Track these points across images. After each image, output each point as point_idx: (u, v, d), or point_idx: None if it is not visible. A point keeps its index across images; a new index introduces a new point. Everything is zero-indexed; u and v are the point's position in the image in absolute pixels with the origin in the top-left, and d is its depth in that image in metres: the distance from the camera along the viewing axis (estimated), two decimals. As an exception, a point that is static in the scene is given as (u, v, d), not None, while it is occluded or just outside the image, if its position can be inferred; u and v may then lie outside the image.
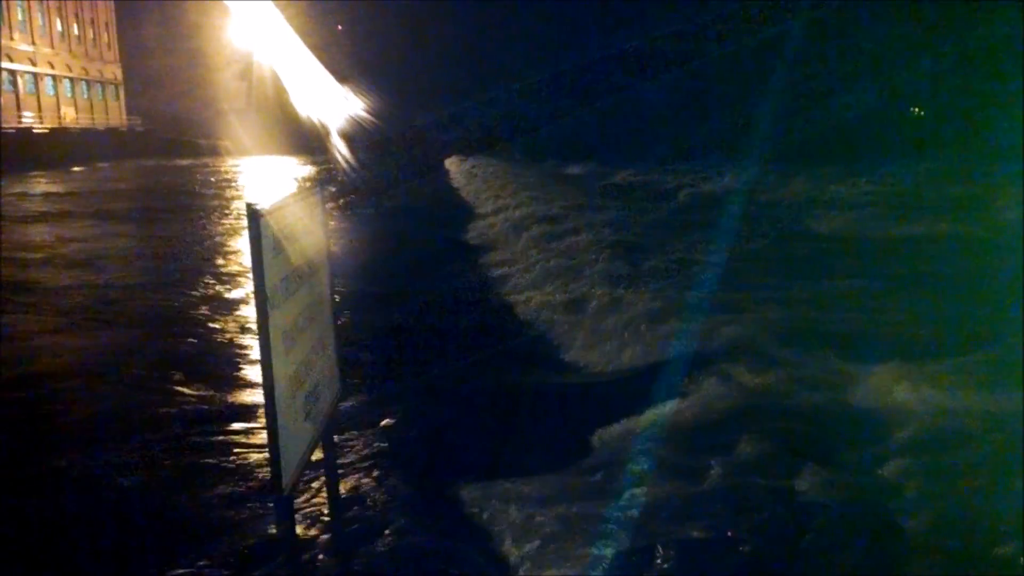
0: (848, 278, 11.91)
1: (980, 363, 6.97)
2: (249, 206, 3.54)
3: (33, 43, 63.46)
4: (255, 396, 7.04)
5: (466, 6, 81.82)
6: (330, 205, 27.09)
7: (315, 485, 5.21)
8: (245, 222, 3.58)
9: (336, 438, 5.50)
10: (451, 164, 50.42)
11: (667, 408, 6.37)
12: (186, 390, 7.44)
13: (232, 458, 5.86)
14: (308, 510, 5.00)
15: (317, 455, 4.83)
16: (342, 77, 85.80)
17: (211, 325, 10.22)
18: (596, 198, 26.24)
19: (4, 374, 8.03)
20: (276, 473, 3.68)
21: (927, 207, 21.50)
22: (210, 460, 5.83)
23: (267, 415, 3.66)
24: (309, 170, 51.27)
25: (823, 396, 6.38)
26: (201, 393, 7.34)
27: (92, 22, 74.87)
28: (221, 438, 6.19)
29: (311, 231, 4.54)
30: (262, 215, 3.57)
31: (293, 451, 3.91)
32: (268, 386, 3.66)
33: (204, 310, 11.12)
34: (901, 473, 5.09)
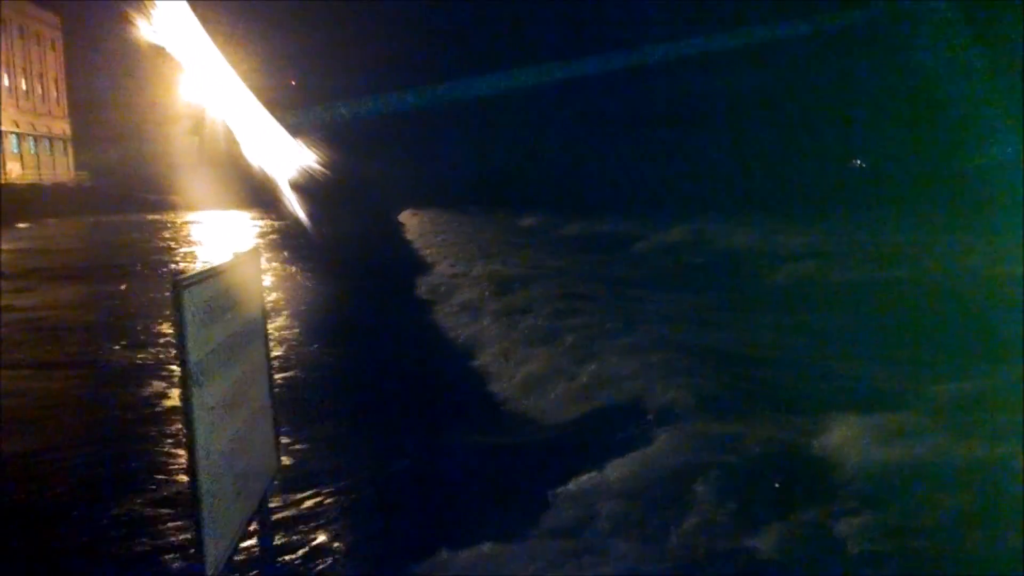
0: (800, 328, 12.03)
1: (933, 411, 6.99)
2: (173, 278, 3.39)
3: (-22, 98, 62.50)
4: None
5: (418, 61, 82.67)
6: (281, 262, 26.81)
7: (248, 564, 4.91)
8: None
9: (275, 516, 5.26)
10: (406, 218, 50.43)
11: (618, 465, 6.26)
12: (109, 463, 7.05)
13: (159, 535, 5.52)
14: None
15: (251, 538, 4.60)
16: (295, 131, 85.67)
17: (131, 395, 9.73)
18: (550, 249, 26.38)
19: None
20: (201, 558, 3.46)
21: (873, 255, 21.97)
22: (137, 537, 5.49)
23: (193, 500, 3.46)
24: (258, 225, 50.79)
25: (777, 450, 6.32)
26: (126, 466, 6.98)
27: (41, 76, 74.05)
28: (150, 513, 5.84)
29: (246, 299, 4.37)
30: (185, 286, 3.41)
31: (222, 533, 3.70)
32: (192, 465, 3.46)
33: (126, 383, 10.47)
34: (856, 530, 5.03)
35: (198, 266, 21.00)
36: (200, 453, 3.49)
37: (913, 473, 5.70)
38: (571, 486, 6.02)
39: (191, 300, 3.49)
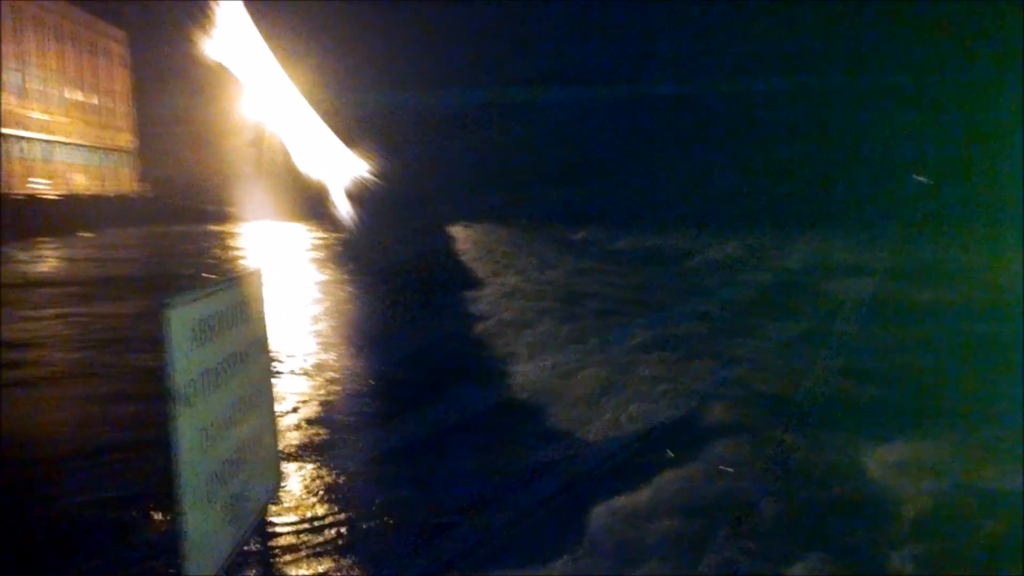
0: (853, 349, 11.70)
1: (991, 438, 6.72)
2: (162, 299, 3.36)
3: (48, 112, 64.65)
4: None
5: (470, 75, 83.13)
6: (332, 272, 27.08)
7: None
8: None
9: (277, 538, 5.20)
10: (457, 230, 50.66)
11: (655, 488, 6.10)
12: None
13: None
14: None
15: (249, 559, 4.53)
16: (351, 144, 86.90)
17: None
18: (602, 263, 26.20)
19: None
20: (184, 584, 3.42)
21: (936, 274, 21.34)
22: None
23: (177, 522, 3.42)
24: (313, 236, 51.47)
25: (823, 476, 6.11)
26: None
27: (108, 92, 76.39)
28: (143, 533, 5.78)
29: (245, 320, 4.34)
30: (173, 307, 3.38)
31: (207, 557, 3.65)
32: (177, 488, 3.42)
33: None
34: (905, 560, 4.81)
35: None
36: (185, 476, 3.45)
37: (974, 501, 5.48)
38: (614, 505, 5.90)
39: (179, 320, 3.47)
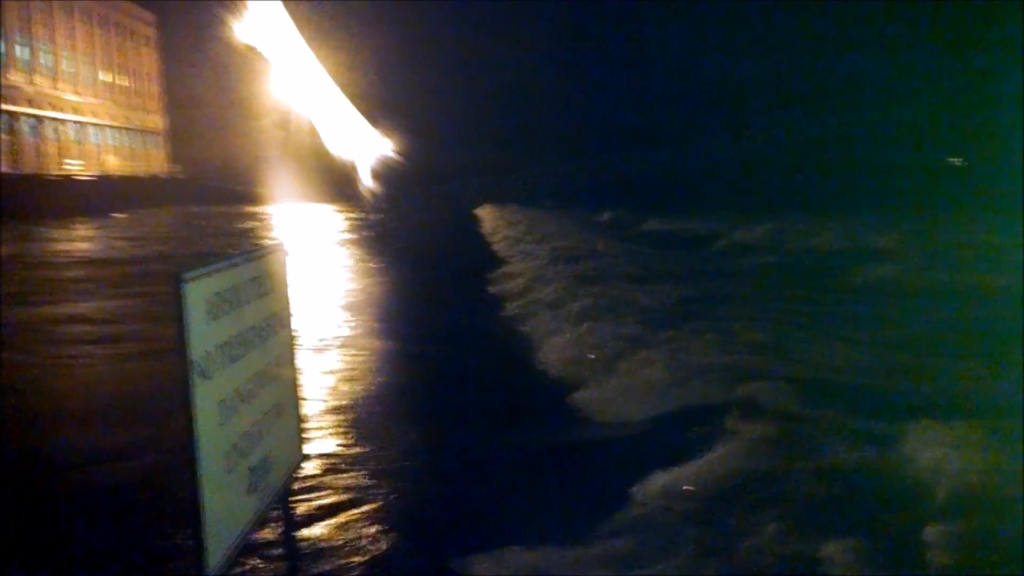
0: (879, 330, 11.56)
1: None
2: (175, 273, 3.36)
3: (79, 93, 65.31)
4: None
5: (502, 55, 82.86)
6: (358, 252, 27.21)
7: (268, 562, 4.84)
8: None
9: (300, 509, 5.23)
10: (482, 212, 50.63)
11: (684, 469, 6.05)
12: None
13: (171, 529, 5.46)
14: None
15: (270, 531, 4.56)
16: (378, 125, 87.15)
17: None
18: (628, 245, 26.07)
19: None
20: (203, 558, 3.43)
21: (964, 257, 21.01)
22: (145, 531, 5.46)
23: (195, 494, 3.42)
24: (339, 217, 51.72)
25: (850, 457, 6.04)
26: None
27: (137, 73, 77.00)
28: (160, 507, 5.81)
29: (267, 292, 4.34)
30: (188, 280, 3.38)
31: (226, 530, 3.66)
32: (194, 461, 3.43)
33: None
34: (934, 542, 4.75)
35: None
36: (202, 448, 3.46)
37: (999, 481, 5.40)
38: (639, 484, 5.87)
39: (195, 294, 3.46)
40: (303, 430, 4.91)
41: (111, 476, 6.36)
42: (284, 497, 4.58)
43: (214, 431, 3.61)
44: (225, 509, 3.68)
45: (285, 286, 4.68)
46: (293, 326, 4.82)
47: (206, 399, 3.53)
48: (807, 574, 4.59)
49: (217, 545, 3.54)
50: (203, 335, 3.52)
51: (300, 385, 4.94)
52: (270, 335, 4.43)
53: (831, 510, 5.31)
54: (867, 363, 9.44)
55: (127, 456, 6.78)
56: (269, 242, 4.47)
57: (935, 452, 6.04)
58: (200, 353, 3.47)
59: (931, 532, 4.87)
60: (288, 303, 4.73)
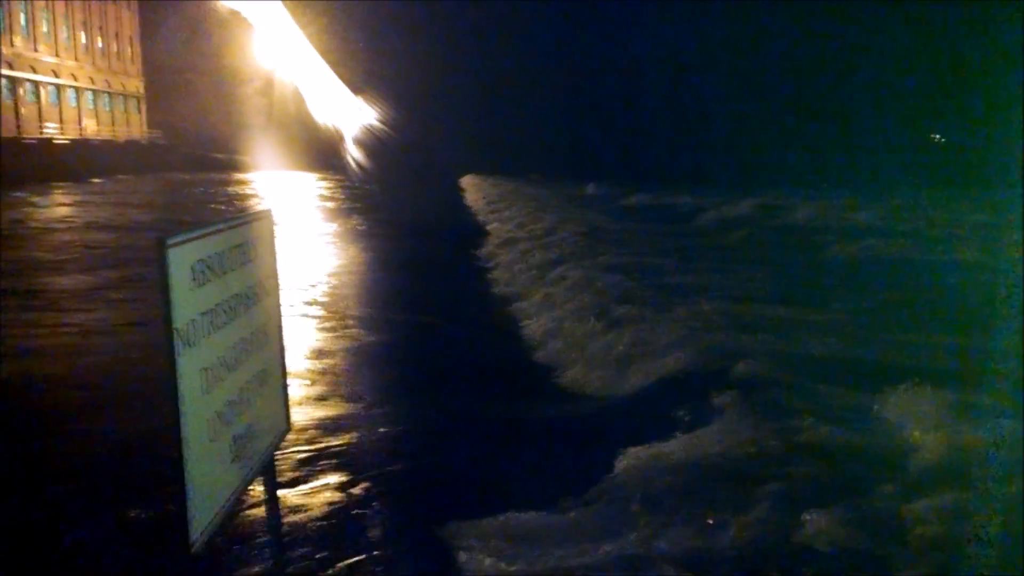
0: (865, 305, 11.64)
1: (1001, 394, 6.65)
2: (159, 237, 3.27)
3: (57, 55, 64.12)
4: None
5: (483, 23, 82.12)
6: (341, 220, 27.00)
7: (251, 533, 4.79)
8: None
9: (285, 477, 5.18)
10: (468, 182, 50.40)
11: (671, 443, 6.06)
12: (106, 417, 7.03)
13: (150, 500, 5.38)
14: (234, 562, 4.54)
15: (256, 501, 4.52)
16: (361, 93, 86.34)
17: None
18: (614, 220, 26.03)
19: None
20: (185, 527, 3.38)
21: (945, 234, 21.17)
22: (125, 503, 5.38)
23: (179, 463, 3.37)
24: (322, 186, 51.31)
25: (836, 431, 6.06)
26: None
27: (116, 35, 75.64)
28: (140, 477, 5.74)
29: (255, 260, 4.27)
30: (171, 245, 3.30)
31: (210, 500, 3.61)
32: (178, 429, 3.37)
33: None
34: (917, 516, 4.78)
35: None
36: (186, 415, 3.40)
37: (983, 453, 5.44)
38: (624, 459, 5.86)
39: (178, 260, 3.39)
40: (289, 398, 4.84)
41: (92, 441, 6.29)
42: (269, 466, 4.53)
43: (198, 399, 3.55)
44: (209, 478, 3.64)
45: (272, 253, 4.61)
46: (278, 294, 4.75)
47: (190, 367, 3.47)
48: (793, 546, 4.61)
49: (202, 513, 3.50)
50: (187, 302, 3.45)
51: (285, 353, 4.85)
52: (255, 303, 4.36)
53: (813, 483, 5.33)
54: (849, 335, 9.50)
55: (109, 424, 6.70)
56: (256, 209, 4.37)
57: (914, 423, 6.11)
58: (184, 320, 3.40)
59: (913, 504, 4.91)
60: (275, 271, 4.66)
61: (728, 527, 4.80)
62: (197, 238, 3.58)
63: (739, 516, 4.90)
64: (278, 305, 4.74)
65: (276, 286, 4.72)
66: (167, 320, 3.26)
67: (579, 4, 77.60)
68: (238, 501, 4.02)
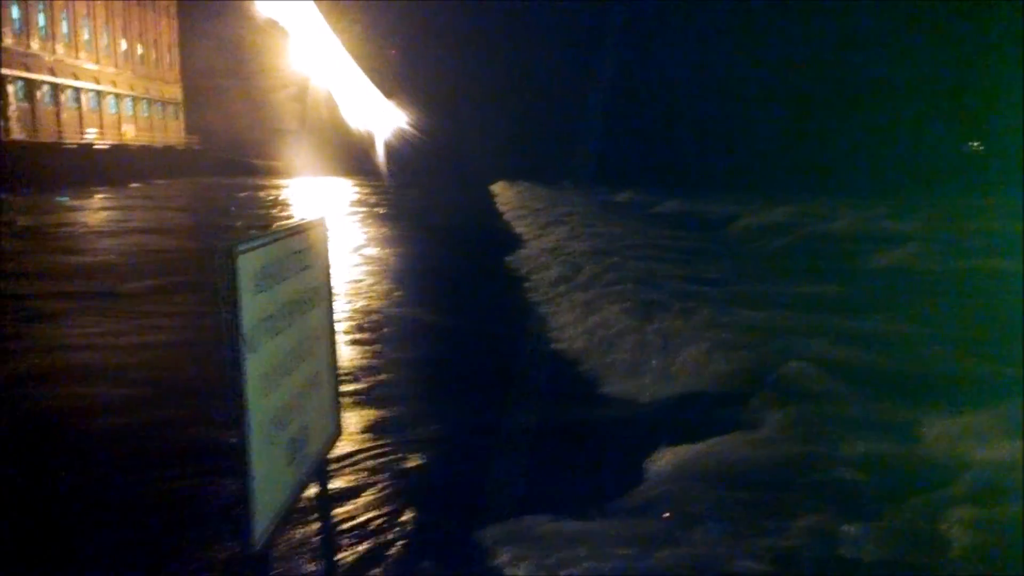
0: (908, 315, 11.51)
1: None
2: (226, 244, 3.36)
3: (98, 62, 65.27)
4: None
5: (514, 29, 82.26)
6: (376, 226, 27.22)
7: (304, 533, 4.90)
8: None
9: (335, 481, 5.27)
10: (498, 188, 50.53)
11: (709, 450, 6.07)
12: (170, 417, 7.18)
13: (209, 501, 5.53)
14: (291, 562, 4.66)
15: (307, 505, 4.60)
16: (395, 100, 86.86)
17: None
18: (646, 227, 25.95)
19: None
20: (248, 527, 3.47)
21: (986, 243, 20.86)
22: (187, 504, 5.53)
23: (242, 465, 3.45)
24: (356, 191, 51.70)
25: (877, 443, 6.03)
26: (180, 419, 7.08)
27: (155, 42, 76.87)
28: (199, 480, 5.89)
29: (308, 265, 4.35)
30: (239, 253, 3.39)
31: (269, 502, 3.69)
32: (242, 433, 3.46)
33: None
34: (956, 528, 4.75)
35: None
36: (251, 420, 3.48)
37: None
38: (662, 464, 5.89)
39: (245, 265, 3.47)
40: (340, 404, 4.92)
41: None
42: (321, 469, 4.62)
43: (259, 403, 3.63)
44: (269, 480, 3.72)
45: (326, 260, 4.69)
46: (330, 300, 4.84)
47: (252, 372, 3.55)
48: (835, 556, 4.60)
49: (262, 516, 3.58)
50: (251, 308, 3.53)
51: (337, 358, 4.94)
52: (309, 309, 4.44)
53: (857, 493, 5.31)
54: (887, 347, 9.42)
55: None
56: (311, 216, 4.48)
57: (955, 439, 6.05)
58: (248, 326, 3.48)
59: (952, 518, 4.87)
60: (328, 277, 4.75)
61: (770, 535, 4.81)
62: (262, 245, 3.66)
63: (782, 524, 4.90)
64: (331, 311, 4.83)
65: (329, 292, 4.80)
66: (234, 326, 3.34)
67: (610, 11, 77.47)
68: (293, 503, 4.09)
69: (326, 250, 4.68)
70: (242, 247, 3.41)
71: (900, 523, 4.90)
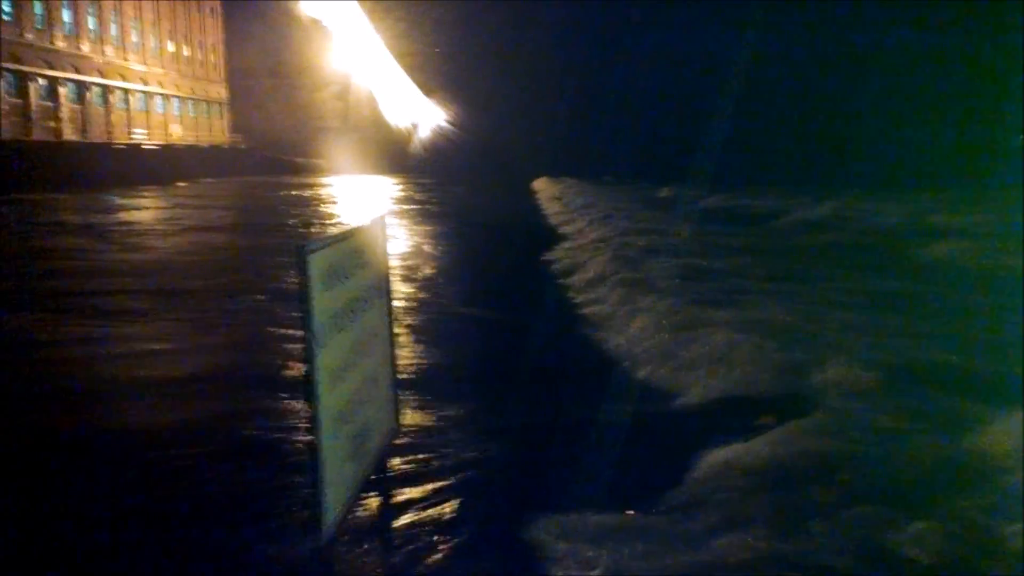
0: (963, 311, 11.34)
1: None
2: (298, 243, 3.48)
3: (146, 63, 66.52)
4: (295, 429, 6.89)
5: (555, 26, 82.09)
6: (417, 224, 27.43)
7: (366, 525, 5.02)
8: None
9: (394, 476, 5.38)
10: (541, 185, 50.53)
11: (759, 447, 6.05)
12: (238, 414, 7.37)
13: (272, 493, 5.68)
14: (355, 554, 4.78)
15: (368, 497, 4.72)
16: (436, 97, 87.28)
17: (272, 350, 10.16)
18: (691, 223, 25.80)
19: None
20: (318, 517, 3.58)
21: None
22: (252, 494, 5.69)
23: (312, 457, 3.57)
24: (398, 189, 52.08)
25: (933, 441, 5.96)
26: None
27: (201, 44, 78.11)
28: (264, 473, 6.05)
29: (369, 264, 4.46)
30: (311, 251, 3.50)
31: (337, 493, 3.81)
32: (314, 427, 3.57)
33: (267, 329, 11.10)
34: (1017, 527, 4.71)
35: (330, 230, 21.99)
36: (321, 414, 3.60)
37: None
38: (713, 460, 5.90)
39: (316, 265, 3.59)
40: (398, 399, 5.03)
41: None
42: (381, 464, 4.73)
43: (327, 398, 3.75)
44: (337, 474, 3.83)
45: (385, 258, 4.81)
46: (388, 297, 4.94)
47: (322, 367, 3.67)
48: (885, 554, 4.58)
49: (331, 507, 3.69)
50: (320, 305, 3.65)
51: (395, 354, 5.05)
52: (370, 306, 4.56)
53: (907, 491, 5.28)
54: (943, 345, 9.29)
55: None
56: (370, 216, 4.57)
57: (1016, 437, 5.96)
58: (318, 322, 3.60)
59: (1013, 517, 4.82)
60: (387, 275, 4.86)
61: (818, 533, 4.81)
62: (330, 245, 3.78)
63: (829, 522, 4.89)
64: (389, 308, 4.94)
65: (388, 290, 4.91)
66: (306, 322, 3.46)
67: (649, 6, 76.93)
68: (356, 497, 4.21)
69: (385, 248, 4.79)
70: (312, 247, 3.52)
71: (957, 524, 4.86)
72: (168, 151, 62.89)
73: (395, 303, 12.26)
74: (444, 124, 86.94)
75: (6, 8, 49.58)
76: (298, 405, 7.26)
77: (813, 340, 8.91)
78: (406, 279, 15.04)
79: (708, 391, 7.97)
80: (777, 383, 7.68)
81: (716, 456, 5.93)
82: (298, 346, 8.77)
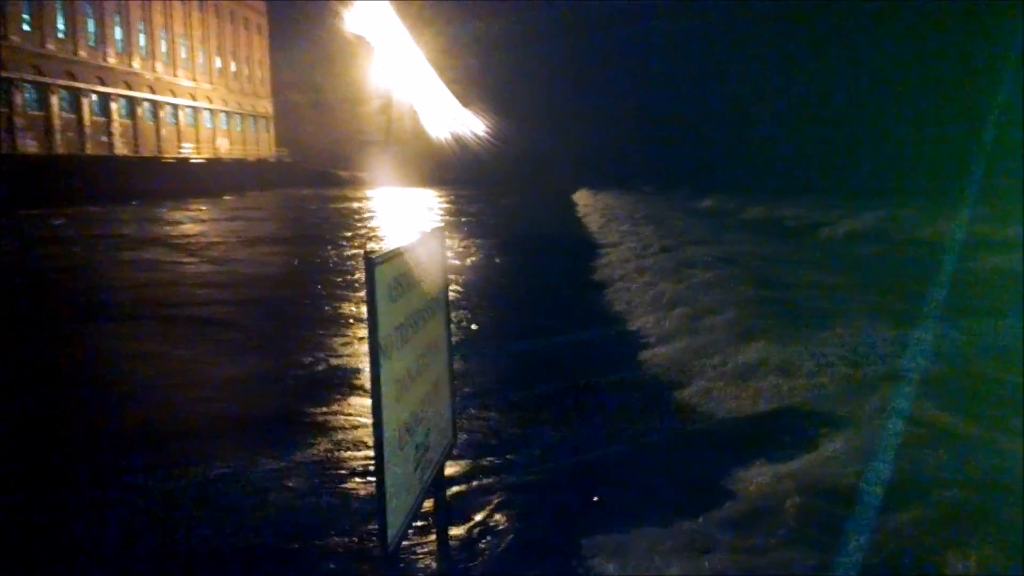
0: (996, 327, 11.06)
1: None
2: (366, 254, 3.51)
3: (194, 79, 67.85)
4: (358, 442, 6.94)
5: (594, 39, 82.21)
6: (457, 238, 27.57)
7: (424, 540, 5.05)
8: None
9: (451, 490, 5.39)
10: (580, 197, 50.52)
11: (811, 462, 5.96)
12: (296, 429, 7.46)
13: (336, 506, 5.74)
14: (417, 566, 4.82)
15: (428, 507, 4.73)
16: (476, 110, 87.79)
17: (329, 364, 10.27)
18: (730, 234, 25.57)
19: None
20: (383, 528, 3.59)
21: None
22: (315, 507, 5.75)
23: (376, 468, 3.58)
24: (441, 202, 52.38)
25: (992, 462, 5.81)
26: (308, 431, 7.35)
27: (247, 60, 79.49)
28: (329, 486, 6.11)
29: (430, 275, 4.48)
30: (378, 263, 3.53)
31: (400, 505, 3.82)
32: (378, 438, 3.58)
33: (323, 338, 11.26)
34: None
35: (385, 242, 22.27)
36: (386, 425, 3.61)
37: None
38: (763, 475, 5.82)
39: (382, 276, 3.61)
40: (456, 411, 5.04)
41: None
42: (441, 474, 4.74)
43: (392, 409, 3.76)
44: (401, 484, 3.84)
45: (444, 269, 4.82)
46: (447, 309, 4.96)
47: (387, 378, 3.68)
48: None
49: (395, 517, 3.70)
50: (386, 316, 3.67)
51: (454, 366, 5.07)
52: (430, 317, 4.57)
53: (959, 509, 5.14)
54: (1002, 355, 9.07)
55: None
56: (431, 227, 4.61)
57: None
58: (384, 334, 3.62)
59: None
60: (446, 286, 4.87)
61: (865, 549, 4.71)
62: (394, 256, 3.80)
63: (878, 538, 4.80)
64: (448, 318, 4.95)
65: (446, 301, 4.93)
66: (372, 333, 3.48)
67: (687, 20, 76.66)
68: (419, 508, 4.22)
69: (443, 259, 4.81)
70: (378, 259, 3.55)
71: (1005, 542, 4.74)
72: (215, 164, 64.03)
73: (460, 313, 12.51)
74: (484, 136, 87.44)
75: (60, 27, 50.96)
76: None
77: (869, 354, 8.75)
78: (465, 288, 15.22)
79: (752, 406, 7.86)
80: (824, 398, 7.54)
81: (762, 471, 5.84)
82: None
